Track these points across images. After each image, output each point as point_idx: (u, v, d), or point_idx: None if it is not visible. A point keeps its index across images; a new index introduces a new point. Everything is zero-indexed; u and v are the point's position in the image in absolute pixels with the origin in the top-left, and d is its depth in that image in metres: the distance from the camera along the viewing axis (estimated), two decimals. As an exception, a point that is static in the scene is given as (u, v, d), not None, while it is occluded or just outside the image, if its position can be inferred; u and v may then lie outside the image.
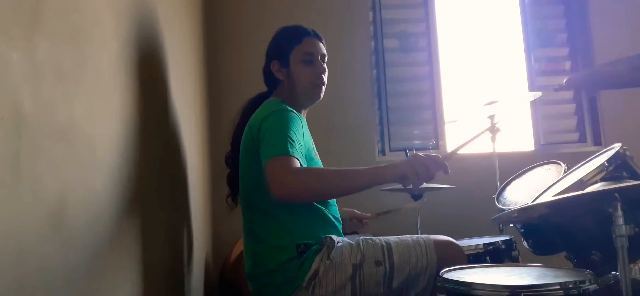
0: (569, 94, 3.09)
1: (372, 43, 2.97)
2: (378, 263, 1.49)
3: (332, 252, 1.49)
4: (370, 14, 2.99)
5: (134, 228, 1.27)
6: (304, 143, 1.53)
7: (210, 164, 2.53)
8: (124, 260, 1.20)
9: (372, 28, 2.99)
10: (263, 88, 1.80)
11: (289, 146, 1.42)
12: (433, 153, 1.51)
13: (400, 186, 1.52)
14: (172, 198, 1.72)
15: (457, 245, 1.56)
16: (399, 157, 2.50)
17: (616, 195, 1.07)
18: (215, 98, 2.68)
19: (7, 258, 0.73)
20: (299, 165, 1.42)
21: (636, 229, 1.07)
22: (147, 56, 1.50)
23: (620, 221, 1.07)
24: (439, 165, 1.44)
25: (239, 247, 2.11)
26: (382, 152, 2.91)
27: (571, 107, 3.08)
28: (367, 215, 1.99)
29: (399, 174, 1.43)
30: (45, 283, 0.83)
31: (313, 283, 1.47)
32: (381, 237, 1.58)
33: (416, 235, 1.59)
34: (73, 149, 0.95)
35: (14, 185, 0.75)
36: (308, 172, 1.46)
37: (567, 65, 3.11)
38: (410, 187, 1.47)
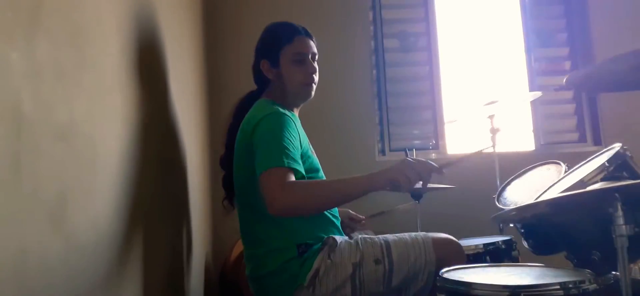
0: (569, 94, 3.09)
1: (372, 43, 2.97)
2: (377, 262, 1.49)
3: (334, 252, 1.49)
4: (370, 14, 2.98)
5: (134, 228, 1.27)
6: (299, 147, 1.51)
7: (210, 164, 2.53)
8: (124, 260, 1.20)
9: (372, 28, 2.99)
10: None
11: (283, 156, 1.40)
12: (432, 156, 1.50)
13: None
14: (172, 198, 1.72)
15: (456, 243, 1.56)
16: (399, 157, 2.49)
17: (616, 194, 1.07)
18: (215, 98, 2.68)
19: (7, 258, 0.73)
20: (294, 176, 1.41)
21: (636, 229, 1.07)
22: (148, 56, 1.50)
23: (620, 221, 1.07)
24: (430, 168, 1.42)
25: (239, 247, 2.10)
26: (382, 152, 2.91)
27: (571, 107, 3.08)
28: (361, 217, 1.94)
29: (390, 180, 1.41)
30: (46, 283, 0.83)
31: (314, 282, 1.47)
32: (380, 236, 1.58)
33: (415, 233, 1.58)
34: (73, 149, 0.95)
35: (14, 185, 0.75)
36: (299, 189, 1.42)
37: (567, 65, 3.11)
38: (402, 191, 1.44)
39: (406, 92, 3.00)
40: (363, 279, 1.48)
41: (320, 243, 1.53)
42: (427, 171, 1.41)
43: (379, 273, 1.49)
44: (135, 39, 1.38)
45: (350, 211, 1.95)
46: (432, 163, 1.44)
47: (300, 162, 1.47)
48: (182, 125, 1.86)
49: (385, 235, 1.58)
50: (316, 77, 1.68)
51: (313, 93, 1.69)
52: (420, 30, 3.04)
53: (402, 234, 1.58)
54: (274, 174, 1.39)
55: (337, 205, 1.72)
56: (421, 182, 1.42)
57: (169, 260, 1.62)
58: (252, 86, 1.77)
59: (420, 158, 1.45)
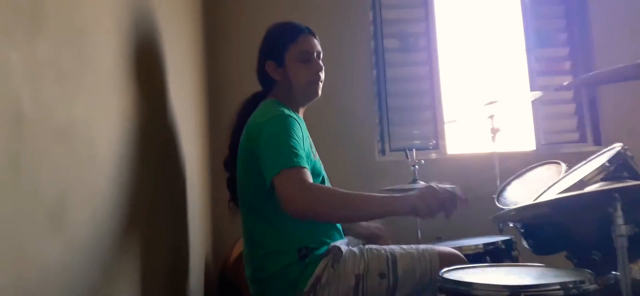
0: (569, 94, 3.08)
1: (372, 43, 2.97)
2: (382, 276, 1.47)
3: (338, 262, 1.47)
4: (370, 14, 2.98)
5: (134, 229, 1.27)
6: (305, 148, 1.49)
7: (210, 164, 2.53)
8: (124, 260, 1.20)
9: (372, 28, 2.99)
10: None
11: (293, 156, 1.38)
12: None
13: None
14: (172, 198, 1.72)
15: (462, 258, 1.54)
16: (399, 157, 2.49)
17: (616, 195, 1.07)
18: (216, 98, 2.68)
19: (7, 258, 0.73)
20: (309, 176, 1.39)
21: (636, 229, 1.07)
22: (147, 56, 1.50)
23: (620, 221, 1.07)
24: (455, 199, 1.35)
25: (239, 247, 2.11)
26: (382, 152, 2.91)
27: (571, 107, 3.08)
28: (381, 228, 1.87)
29: (412, 205, 1.35)
30: (45, 283, 0.83)
31: (315, 289, 1.45)
32: (386, 247, 1.56)
33: (422, 247, 1.56)
34: (73, 149, 0.95)
35: (14, 185, 0.75)
36: (322, 194, 1.41)
37: (567, 65, 3.11)
38: (422, 218, 1.38)
39: (406, 92, 3.00)
40: (366, 293, 1.46)
41: (322, 247, 1.51)
42: (451, 201, 1.35)
43: (382, 288, 1.47)
44: (135, 38, 1.38)
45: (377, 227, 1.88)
46: (459, 193, 1.37)
47: (309, 164, 1.45)
48: (182, 124, 1.86)
49: (391, 247, 1.56)
50: (322, 75, 1.67)
51: (320, 91, 1.68)
52: (420, 30, 3.04)
53: (409, 246, 1.56)
54: (289, 174, 1.36)
55: (352, 221, 1.69)
56: (444, 213, 1.36)
57: (169, 260, 1.62)
58: (252, 86, 1.77)
59: (447, 186, 1.38)
